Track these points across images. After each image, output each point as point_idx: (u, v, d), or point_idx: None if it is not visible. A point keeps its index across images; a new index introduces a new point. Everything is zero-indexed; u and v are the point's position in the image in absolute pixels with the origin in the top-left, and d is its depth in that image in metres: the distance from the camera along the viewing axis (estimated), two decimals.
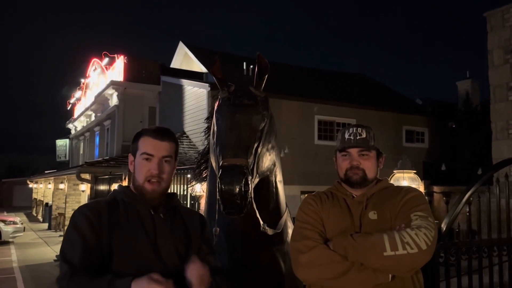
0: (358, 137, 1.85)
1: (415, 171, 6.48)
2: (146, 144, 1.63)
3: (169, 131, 1.70)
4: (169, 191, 1.71)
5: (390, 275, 1.65)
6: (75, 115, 27.78)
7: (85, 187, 15.02)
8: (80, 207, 1.58)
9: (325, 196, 1.92)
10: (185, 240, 1.65)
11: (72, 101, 28.54)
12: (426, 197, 1.89)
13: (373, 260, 1.60)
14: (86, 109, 23.78)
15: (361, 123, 2.07)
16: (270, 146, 2.18)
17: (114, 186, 11.07)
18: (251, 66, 15.13)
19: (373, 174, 1.86)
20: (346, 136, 1.88)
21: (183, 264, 1.54)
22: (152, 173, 1.60)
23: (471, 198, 3.42)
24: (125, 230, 1.53)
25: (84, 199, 17.04)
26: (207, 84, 13.57)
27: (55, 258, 11.59)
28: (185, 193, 6.43)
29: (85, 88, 24.48)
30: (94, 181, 13.64)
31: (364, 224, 1.77)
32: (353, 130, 1.88)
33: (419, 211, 1.72)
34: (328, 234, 1.78)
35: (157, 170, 1.60)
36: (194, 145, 14.11)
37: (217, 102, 2.21)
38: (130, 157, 1.68)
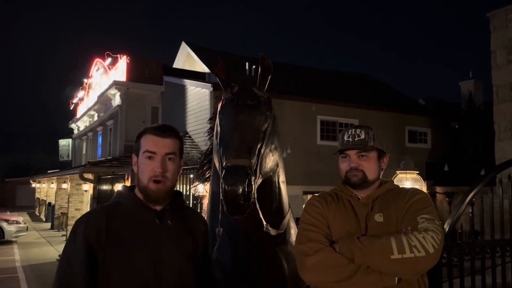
0: (356, 139, 1.85)
1: (418, 172, 6.45)
2: (148, 142, 1.58)
3: (172, 127, 1.67)
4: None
5: (396, 278, 1.64)
6: (78, 115, 27.83)
7: (88, 187, 15.05)
8: (79, 221, 1.52)
9: (330, 197, 1.90)
10: (192, 243, 1.64)
11: (75, 101, 28.58)
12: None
13: (381, 263, 1.60)
14: (89, 109, 23.84)
15: (364, 123, 2.07)
16: (273, 146, 2.18)
17: (117, 186, 11.11)
18: (254, 66, 15.15)
19: (374, 175, 1.85)
20: (345, 138, 1.88)
21: (190, 272, 1.57)
22: (156, 172, 1.55)
23: (474, 199, 3.42)
24: (124, 244, 1.48)
25: (87, 199, 17.08)
26: (210, 84, 13.57)
27: (58, 258, 11.62)
28: (188, 193, 6.45)
29: (88, 88, 24.52)
30: (97, 181, 13.69)
31: (370, 226, 1.76)
32: (351, 132, 1.87)
33: (426, 213, 1.71)
34: (334, 236, 1.77)
35: (160, 169, 1.56)
36: (197, 145, 14.13)
37: (220, 103, 2.20)
38: (134, 158, 1.64)
